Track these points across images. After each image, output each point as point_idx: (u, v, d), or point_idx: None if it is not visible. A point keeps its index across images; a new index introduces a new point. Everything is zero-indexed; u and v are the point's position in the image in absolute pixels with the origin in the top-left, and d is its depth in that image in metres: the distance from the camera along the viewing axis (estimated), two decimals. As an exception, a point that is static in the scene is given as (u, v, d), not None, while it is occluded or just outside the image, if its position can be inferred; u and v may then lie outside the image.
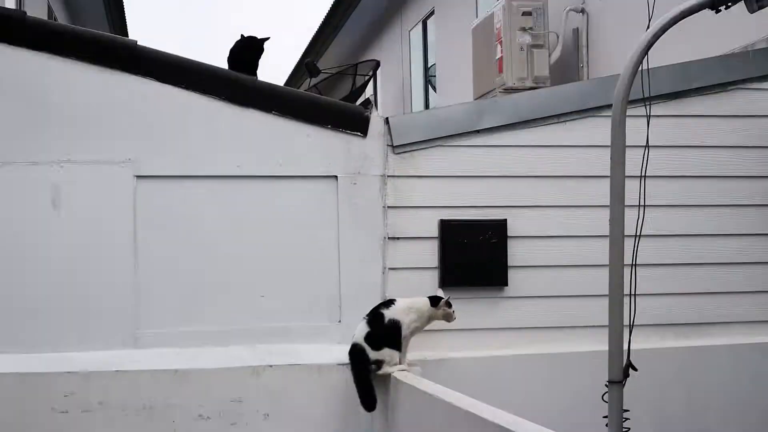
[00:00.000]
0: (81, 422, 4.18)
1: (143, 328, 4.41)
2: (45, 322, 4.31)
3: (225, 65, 4.92)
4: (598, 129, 4.80)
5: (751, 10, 3.50)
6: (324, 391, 4.38)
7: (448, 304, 4.31)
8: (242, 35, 5.02)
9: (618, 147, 3.60)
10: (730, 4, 3.41)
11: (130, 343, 4.38)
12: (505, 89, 7.56)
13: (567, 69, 8.01)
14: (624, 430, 3.50)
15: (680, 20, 3.50)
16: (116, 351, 4.34)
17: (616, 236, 3.60)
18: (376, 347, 4.16)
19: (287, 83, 17.69)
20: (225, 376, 4.34)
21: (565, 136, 4.90)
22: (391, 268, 4.69)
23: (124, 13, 13.38)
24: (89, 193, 4.39)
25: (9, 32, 4.34)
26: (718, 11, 3.49)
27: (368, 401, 4.15)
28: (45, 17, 10.46)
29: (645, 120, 3.93)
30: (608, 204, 3.64)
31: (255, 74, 4.85)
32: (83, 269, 4.36)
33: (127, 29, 14.02)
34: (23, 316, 4.30)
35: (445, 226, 4.75)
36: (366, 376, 4.16)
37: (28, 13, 4.53)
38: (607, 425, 3.51)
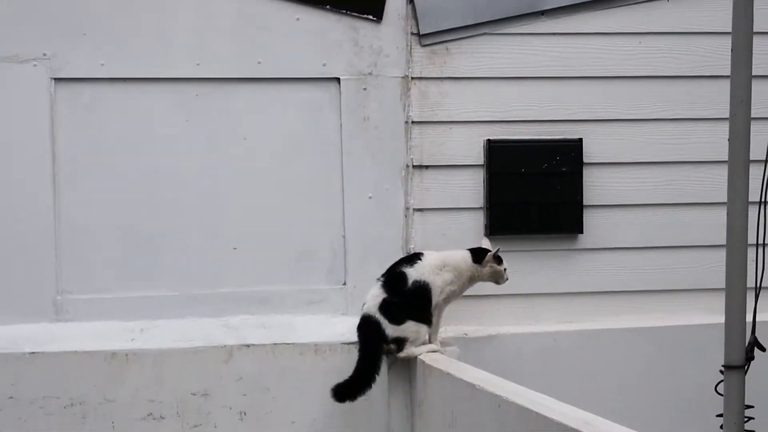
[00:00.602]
0: (-17, 424, 4.29)
1: (68, 294, 4.47)
2: (-71, 285, 4.39)
3: None
4: (717, 6, 4.75)
5: None
6: (323, 379, 4.36)
7: (498, 260, 4.32)
8: None
9: (742, 34, 3.54)
10: None
11: (50, 315, 4.44)
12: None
13: None
14: (746, 431, 3.51)
15: None
16: (31, 325, 4.40)
17: (738, 162, 3.56)
18: (397, 320, 4.19)
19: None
20: (185, 359, 4.40)
21: (668, 19, 4.90)
22: (416, 209, 4.73)
23: None
24: (-10, 101, 4.44)
25: None
26: None
27: (346, 388, 4.16)
28: None
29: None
30: (727, 116, 3.60)
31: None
32: (-19, 213, 4.42)
33: None
34: None
35: (494, 148, 4.77)
36: (376, 362, 4.19)
37: None
38: (722, 426, 3.52)
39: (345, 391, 4.16)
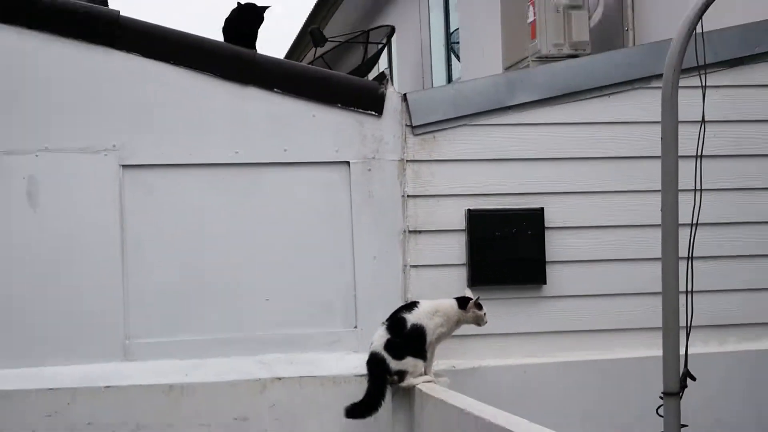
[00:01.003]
0: (67, 446, 4.25)
1: (134, 338, 4.47)
2: (22, 332, 4.37)
3: (220, 37, 4.95)
4: (648, 103, 4.81)
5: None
6: (340, 406, 4.36)
7: (478, 306, 4.33)
8: (239, 3, 5.04)
9: (669, 125, 3.60)
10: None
11: (119, 355, 4.43)
12: (539, 57, 7.54)
13: (609, 33, 7.99)
14: (681, 447, 3.53)
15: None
16: (104, 364, 4.39)
17: (670, 225, 3.61)
18: (398, 356, 4.20)
19: (289, 55, 17.70)
20: (228, 390, 4.38)
21: (609, 112, 4.92)
22: (412, 266, 4.73)
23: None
24: (69, 185, 4.45)
25: (-24, 5, 4.40)
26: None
27: (358, 409, 4.17)
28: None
29: (700, 92, 3.93)
30: (659, 189, 3.65)
31: (254, 47, 4.87)
32: (65, 272, 4.42)
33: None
34: (-1, 326, 4.35)
35: (474, 216, 4.78)
36: (381, 390, 4.19)
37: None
38: (662, 442, 3.54)
39: (356, 411, 4.17)
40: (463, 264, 4.79)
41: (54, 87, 4.46)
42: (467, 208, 4.79)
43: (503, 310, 4.71)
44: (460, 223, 4.79)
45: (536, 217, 4.82)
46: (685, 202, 3.66)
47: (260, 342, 4.56)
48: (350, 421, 4.29)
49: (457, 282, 4.73)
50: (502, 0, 8.50)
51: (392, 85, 4.83)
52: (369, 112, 4.72)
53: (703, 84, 3.89)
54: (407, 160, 4.76)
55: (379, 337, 4.25)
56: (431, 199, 4.78)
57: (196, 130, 4.57)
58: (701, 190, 3.76)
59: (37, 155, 4.42)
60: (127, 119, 4.50)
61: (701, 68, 3.90)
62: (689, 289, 3.67)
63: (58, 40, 4.45)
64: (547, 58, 7.34)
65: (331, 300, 4.66)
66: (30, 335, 4.38)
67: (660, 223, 3.64)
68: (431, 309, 4.31)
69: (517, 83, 4.90)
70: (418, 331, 4.23)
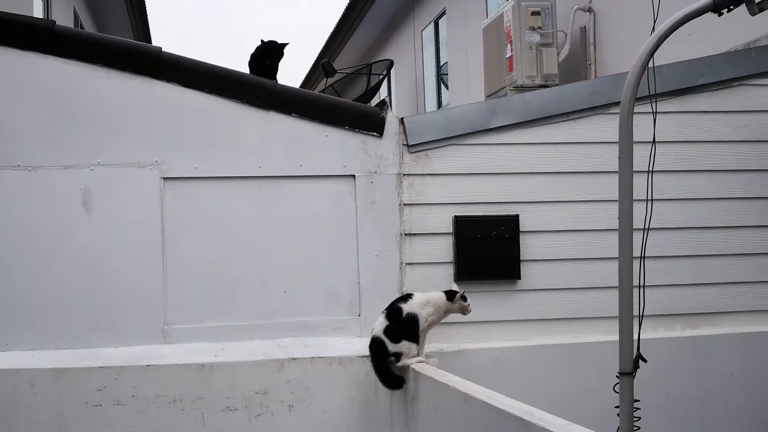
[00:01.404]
0: (114, 415, 4.23)
1: (172, 324, 4.44)
2: (78, 319, 4.35)
3: (246, 69, 4.95)
4: (607, 126, 4.80)
5: (752, 13, 3.49)
6: (345, 382, 4.40)
7: (464, 298, 4.30)
8: (262, 41, 5.04)
9: (626, 145, 3.60)
10: (732, 7, 3.40)
11: (159, 338, 4.42)
12: (515, 87, 7.55)
13: (575, 67, 7.99)
14: (635, 419, 3.51)
15: (685, 23, 3.49)
16: (146, 346, 4.38)
17: (625, 229, 3.61)
18: (395, 340, 4.16)
19: (304, 83, 17.72)
20: (251, 369, 4.36)
21: (575, 133, 4.89)
22: (407, 264, 4.71)
23: (147, 20, 13.42)
24: (118, 194, 4.43)
25: (38, 41, 4.38)
26: (720, 14, 3.48)
27: (391, 382, 4.16)
28: (72, 25, 10.52)
29: (651, 116, 3.93)
30: (617, 199, 3.64)
31: (275, 78, 4.87)
32: (113, 268, 4.40)
33: (150, 35, 14.07)
34: (57, 313, 4.34)
35: (459, 222, 4.76)
36: (386, 368, 4.17)
37: (56, 22, 4.56)
38: (618, 415, 3.52)
39: (395, 381, 4.17)
40: (450, 262, 4.77)
41: (105, 111, 4.44)
42: (454, 214, 4.77)
43: (484, 301, 4.67)
44: (448, 227, 4.77)
45: (512, 222, 4.80)
46: (638, 210, 3.66)
47: (279, 328, 4.53)
48: (354, 391, 4.34)
49: (445, 277, 4.71)
50: (484, 38, 8.49)
51: (391, 110, 4.81)
52: (372, 133, 4.70)
53: (654, 110, 3.89)
54: (404, 174, 4.74)
55: (379, 324, 4.22)
56: (424, 207, 4.76)
57: (226, 148, 4.55)
58: (652, 200, 3.76)
59: (91, 169, 4.40)
60: (167, 139, 4.48)
61: (652, 97, 3.91)
62: (641, 283, 3.67)
63: (110, 71, 4.43)
64: (522, 87, 7.36)
65: (338, 292, 4.63)
66: (83, 321, 4.36)
67: (617, 227, 3.63)
68: (423, 300, 4.27)
69: (497, 109, 4.88)
70: (412, 319, 4.20)
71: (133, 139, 4.45)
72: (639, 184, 3.67)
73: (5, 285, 4.30)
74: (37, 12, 9.13)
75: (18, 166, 4.34)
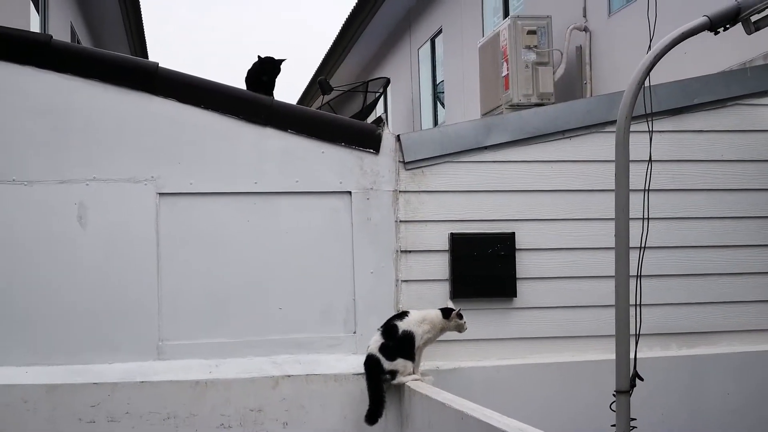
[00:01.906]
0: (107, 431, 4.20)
1: (166, 340, 4.42)
2: (72, 335, 4.33)
3: (243, 85, 4.95)
4: (603, 144, 4.80)
5: (749, 32, 3.51)
6: (340, 399, 4.38)
7: (460, 316, 4.30)
8: (259, 56, 5.04)
9: (622, 163, 3.61)
10: (728, 26, 3.42)
11: (153, 355, 4.39)
12: (511, 105, 7.58)
13: (571, 85, 8.02)
14: (631, 438, 3.50)
15: (681, 41, 3.51)
16: (141, 362, 4.35)
17: (622, 248, 3.61)
18: (391, 358, 4.17)
19: (301, 100, 17.75)
20: (245, 386, 4.34)
21: (571, 152, 4.90)
22: (403, 281, 4.69)
23: (144, 35, 13.45)
24: (114, 209, 4.41)
25: (35, 55, 4.38)
26: (716, 33, 3.49)
27: (372, 415, 4.14)
28: (68, 39, 10.53)
29: (647, 135, 3.94)
30: (613, 217, 3.64)
31: (272, 94, 4.87)
32: (108, 284, 4.38)
33: (147, 50, 14.10)
34: (51, 329, 4.32)
35: (456, 239, 4.75)
36: (380, 387, 4.16)
37: (53, 36, 4.56)
38: (614, 433, 3.51)
39: (374, 417, 4.14)
40: (446, 279, 4.75)
41: (102, 126, 4.43)
42: (450, 231, 4.75)
43: (480, 319, 4.65)
44: (444, 244, 4.76)
45: (508, 240, 4.79)
46: (634, 229, 3.65)
47: (273, 344, 4.51)
48: (349, 409, 4.31)
49: (441, 295, 4.69)
50: (480, 57, 8.53)
51: (387, 127, 4.81)
52: (368, 150, 4.70)
53: (650, 129, 3.89)
54: (400, 191, 4.73)
55: (374, 341, 4.23)
56: (420, 224, 4.74)
57: (222, 164, 4.54)
58: (648, 218, 3.76)
59: (87, 184, 4.40)
60: (164, 154, 4.48)
61: (648, 116, 3.91)
62: (638, 302, 3.66)
63: (105, 86, 4.44)
64: (518, 106, 7.39)
65: (333, 308, 4.61)
66: (77, 337, 4.33)
67: (613, 246, 3.63)
68: (420, 318, 4.28)
69: (493, 127, 4.89)
70: (408, 337, 4.21)
71: (129, 154, 4.44)
72: (635, 202, 3.67)
73: (-1, 300, 4.28)
74: (34, 26, 9.14)
75: (13, 180, 4.33)
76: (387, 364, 4.16)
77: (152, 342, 4.39)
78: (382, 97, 12.63)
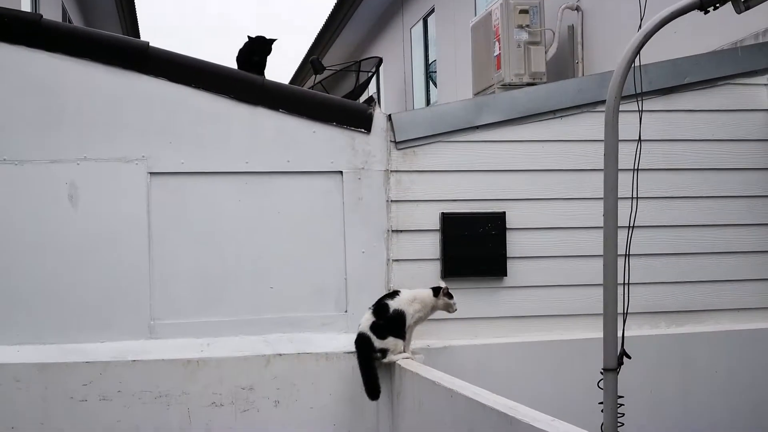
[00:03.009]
0: (99, 410, 4.21)
1: (158, 319, 4.42)
2: (63, 314, 4.33)
3: (234, 65, 4.93)
4: (593, 124, 4.80)
5: (739, 11, 3.50)
6: (332, 378, 4.40)
7: (448, 295, 4.31)
8: (249, 37, 5.02)
9: (611, 143, 3.61)
10: (718, 5, 3.41)
11: (145, 334, 4.39)
12: (503, 85, 7.55)
13: (563, 65, 8.00)
14: (619, 415, 3.52)
15: (671, 20, 3.50)
16: (132, 341, 4.36)
17: (610, 228, 3.61)
18: (381, 336, 4.18)
19: (293, 80, 17.68)
20: (237, 364, 4.35)
21: (561, 131, 4.90)
22: (394, 260, 4.70)
23: (136, 14, 13.37)
24: (105, 189, 4.41)
25: (26, 34, 4.35)
26: (706, 12, 3.48)
27: (373, 390, 4.17)
28: (59, 19, 10.45)
29: (637, 115, 3.94)
30: (602, 196, 3.65)
31: (263, 74, 4.86)
32: (100, 263, 4.38)
33: (138, 30, 14.01)
34: (42, 308, 4.32)
35: (446, 218, 4.75)
36: (371, 365, 4.18)
37: (44, 16, 4.53)
38: (602, 411, 3.53)
39: (375, 391, 4.17)
40: (437, 258, 4.76)
41: (92, 105, 4.41)
42: (441, 211, 4.76)
43: (470, 298, 4.68)
44: (435, 224, 4.77)
45: (499, 219, 4.80)
46: (623, 208, 3.66)
47: (265, 323, 4.52)
48: (341, 387, 4.33)
49: (432, 274, 4.70)
50: (472, 36, 8.50)
51: (379, 107, 4.80)
52: (360, 129, 4.69)
53: (640, 109, 3.89)
54: (391, 171, 4.73)
55: (365, 320, 4.24)
56: (411, 204, 4.75)
57: (213, 144, 4.53)
58: (637, 198, 3.76)
59: (78, 164, 4.38)
60: (155, 134, 4.46)
61: (638, 95, 3.91)
62: (626, 281, 3.67)
63: (96, 66, 4.41)
64: (509, 85, 7.37)
65: (325, 288, 4.62)
66: (69, 316, 4.34)
67: (602, 225, 3.64)
68: (410, 297, 4.29)
69: (484, 107, 4.88)
70: (399, 316, 4.22)
71: (120, 133, 4.43)
72: (625, 182, 3.67)
73: (-10, 279, 4.27)
74: (25, 6, 9.07)
75: (4, 160, 4.32)
76: (378, 343, 4.18)
77: (144, 321, 4.40)
78: (375, 77, 12.58)
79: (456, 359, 4.53)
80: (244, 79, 4.66)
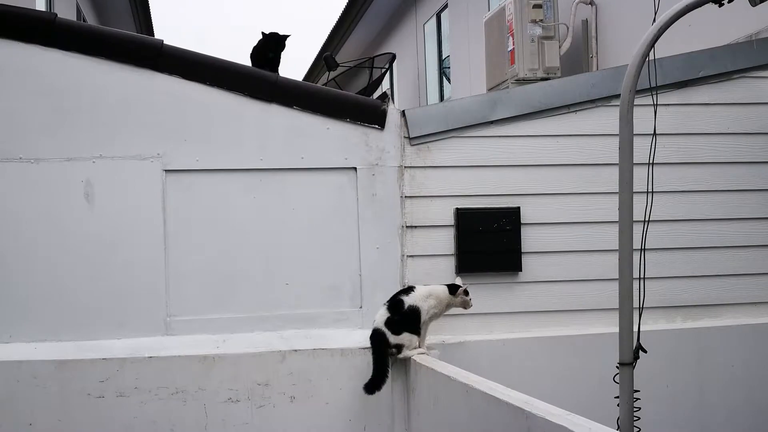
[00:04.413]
0: (116, 406, 4.24)
1: (174, 316, 4.45)
2: (80, 311, 4.36)
3: (248, 62, 4.94)
4: (608, 118, 4.79)
5: (753, 4, 3.49)
6: (347, 373, 4.41)
7: (466, 293, 4.32)
8: (263, 33, 5.03)
9: (626, 137, 3.60)
10: (733, -2, 3.40)
11: (162, 330, 4.42)
12: (517, 80, 7.53)
13: (577, 60, 7.97)
14: (635, 409, 3.51)
15: (685, 14, 3.49)
16: (149, 338, 4.38)
17: (625, 222, 3.60)
18: (396, 332, 4.19)
19: (307, 77, 17.69)
20: (253, 360, 4.37)
21: (576, 126, 4.89)
22: (409, 256, 4.70)
23: (150, 12, 13.41)
24: (120, 187, 4.43)
25: (40, 34, 4.38)
26: (721, 5, 3.47)
27: (371, 385, 4.15)
28: (74, 18, 10.50)
29: (652, 109, 3.93)
30: (617, 191, 3.64)
31: (277, 70, 4.86)
32: (116, 260, 4.40)
33: (152, 28, 14.05)
34: (59, 305, 4.35)
35: (461, 214, 4.75)
36: (385, 360, 4.18)
37: (58, 15, 4.56)
38: (618, 405, 3.53)
39: (373, 387, 4.15)
40: (451, 254, 4.76)
41: (107, 104, 4.44)
42: (455, 207, 4.76)
43: (485, 293, 4.68)
44: (450, 219, 4.77)
45: (514, 214, 4.80)
46: (638, 202, 3.66)
47: (280, 319, 4.53)
48: (356, 383, 4.29)
49: (447, 270, 4.71)
50: (486, 31, 8.47)
51: (393, 103, 4.80)
52: (373, 125, 4.69)
53: (655, 103, 3.88)
54: (405, 166, 4.73)
55: (380, 316, 4.24)
56: (425, 199, 4.75)
57: (227, 141, 4.54)
58: (652, 192, 3.76)
59: (93, 161, 4.41)
60: (169, 131, 4.48)
61: (653, 89, 3.90)
62: (642, 275, 3.67)
63: (111, 64, 4.44)
64: (523, 80, 7.34)
65: (340, 284, 4.62)
66: (86, 313, 4.36)
67: (617, 219, 3.63)
68: (425, 293, 4.29)
69: (498, 102, 4.88)
70: (414, 311, 4.22)
71: (135, 131, 4.45)
72: (640, 176, 3.66)
73: (7, 277, 4.31)
74: (40, 5, 9.12)
75: (20, 158, 4.34)
76: (393, 338, 4.18)
77: (160, 318, 4.42)
78: (388, 73, 12.57)
79: (471, 354, 4.54)
80: (257, 76, 4.67)
